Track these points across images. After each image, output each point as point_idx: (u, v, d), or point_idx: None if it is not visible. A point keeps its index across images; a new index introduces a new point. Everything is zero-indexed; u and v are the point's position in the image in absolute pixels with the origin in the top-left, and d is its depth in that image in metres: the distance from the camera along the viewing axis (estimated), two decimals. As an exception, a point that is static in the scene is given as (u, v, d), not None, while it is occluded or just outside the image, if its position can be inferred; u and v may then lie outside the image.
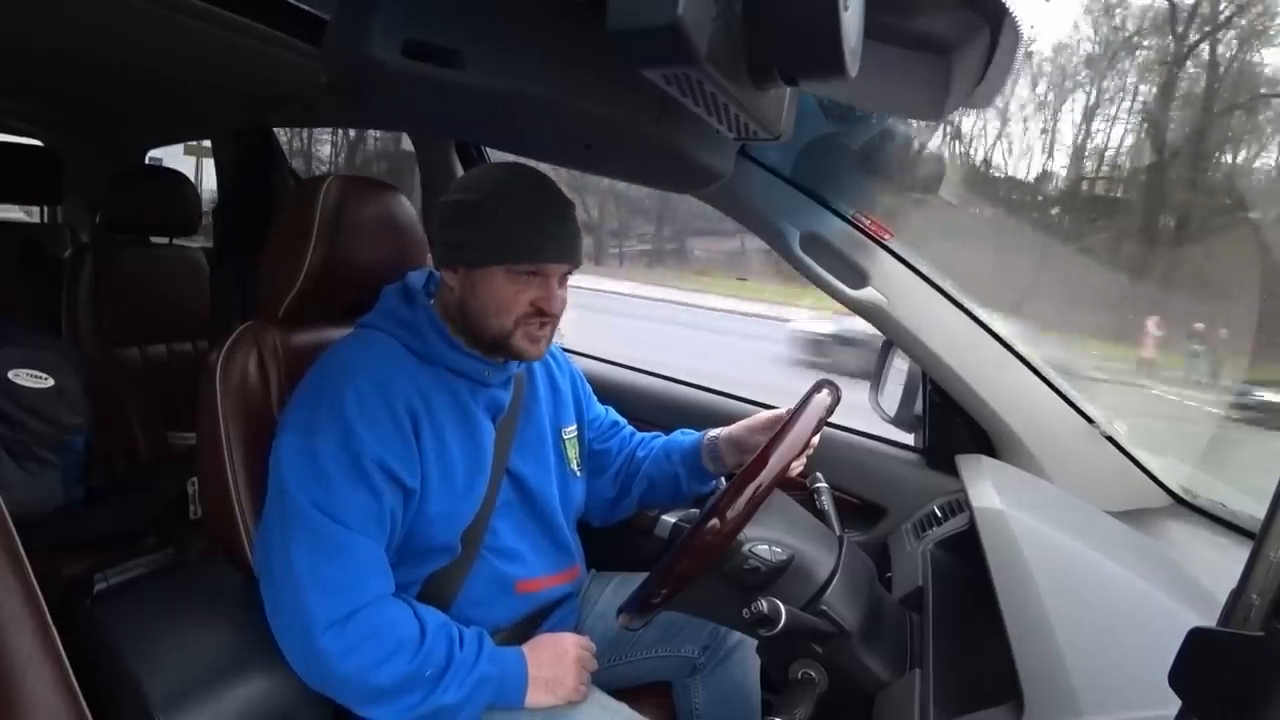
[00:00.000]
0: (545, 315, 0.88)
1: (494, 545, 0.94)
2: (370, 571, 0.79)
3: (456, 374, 0.90)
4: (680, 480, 1.09)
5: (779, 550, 0.77)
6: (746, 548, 0.76)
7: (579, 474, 1.07)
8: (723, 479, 1.11)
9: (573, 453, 1.06)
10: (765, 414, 1.04)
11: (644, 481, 1.12)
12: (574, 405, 1.10)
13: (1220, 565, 0.88)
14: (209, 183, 2.05)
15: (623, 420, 1.20)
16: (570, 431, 1.07)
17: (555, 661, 0.87)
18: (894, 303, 1.09)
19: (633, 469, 1.14)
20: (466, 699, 0.80)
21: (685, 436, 1.13)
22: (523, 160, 0.90)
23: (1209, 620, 0.36)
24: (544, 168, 0.90)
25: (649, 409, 1.44)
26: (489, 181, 0.88)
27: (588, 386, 1.16)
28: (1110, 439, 1.08)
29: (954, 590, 0.89)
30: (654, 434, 1.17)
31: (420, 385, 0.87)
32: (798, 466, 0.90)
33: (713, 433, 1.08)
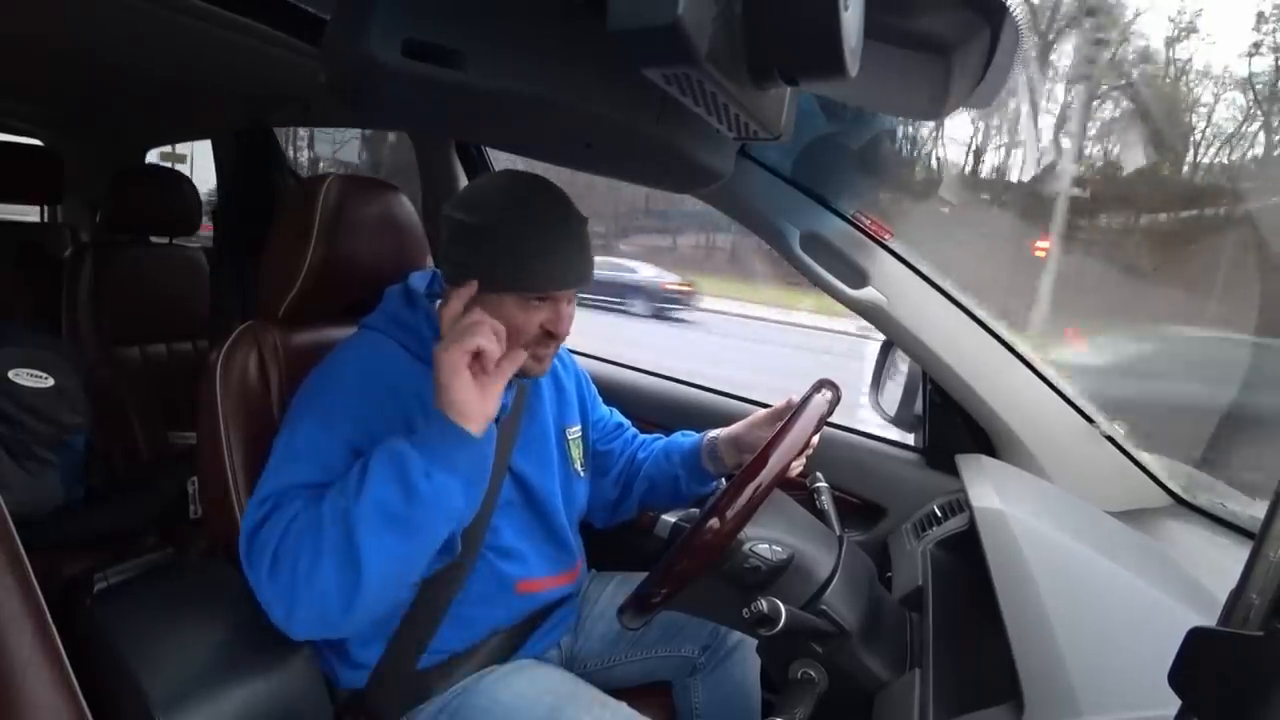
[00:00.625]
0: (554, 337, 0.88)
1: (495, 544, 0.93)
2: (288, 508, 0.74)
3: None
4: (680, 481, 1.09)
5: (779, 549, 0.77)
6: (747, 546, 0.76)
7: (583, 474, 1.07)
8: (723, 480, 1.11)
9: (576, 453, 1.06)
10: (764, 412, 1.04)
11: (644, 482, 1.12)
12: (579, 405, 1.10)
13: (1220, 565, 0.88)
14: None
15: (627, 423, 1.20)
16: (574, 431, 1.07)
17: (454, 387, 0.73)
18: (894, 302, 1.09)
19: (633, 471, 1.13)
20: (385, 524, 0.70)
21: (685, 438, 1.12)
22: (532, 172, 0.88)
23: (1209, 620, 0.36)
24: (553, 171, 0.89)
25: (651, 409, 1.44)
26: (499, 200, 0.85)
27: (593, 387, 1.16)
28: (1110, 439, 1.08)
29: (954, 590, 0.89)
30: (654, 436, 1.17)
31: (418, 387, 0.85)
32: (797, 467, 0.90)
33: (713, 433, 1.08)
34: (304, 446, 0.79)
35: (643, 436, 1.18)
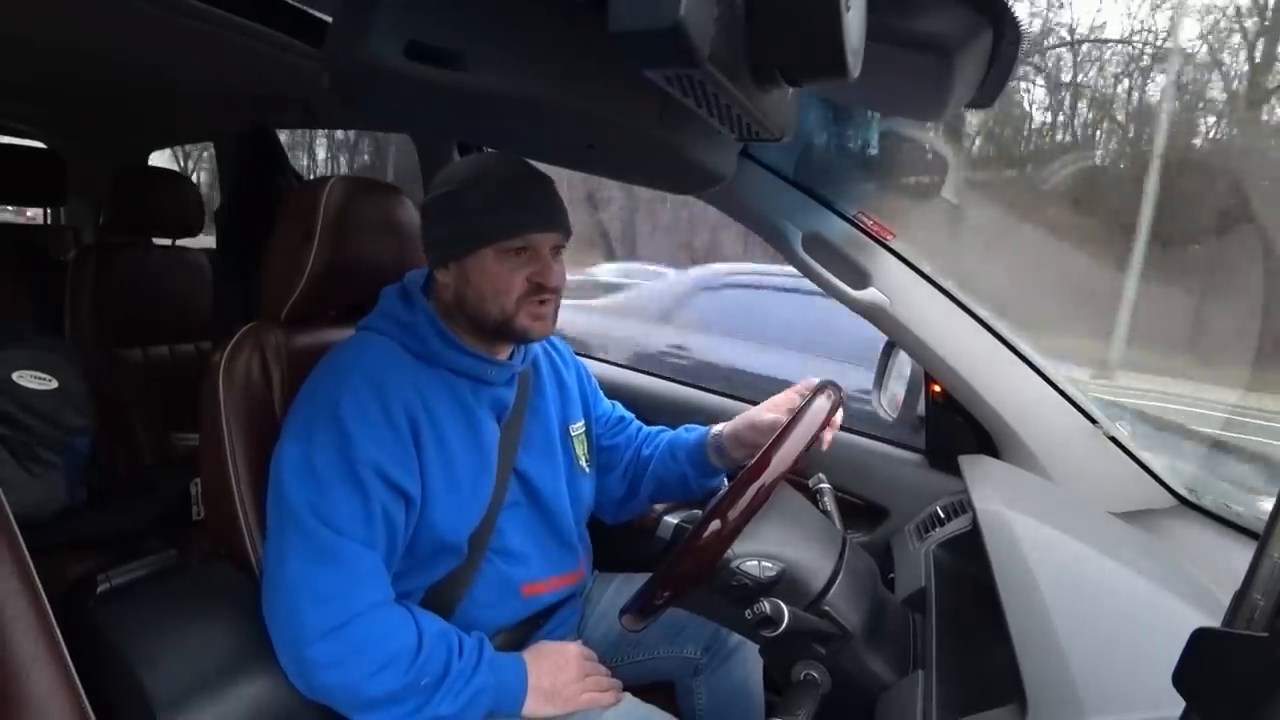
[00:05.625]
0: (545, 290, 0.87)
1: (499, 547, 0.93)
2: (366, 580, 0.78)
3: (458, 374, 0.90)
4: (689, 479, 1.09)
5: (769, 565, 0.76)
6: (735, 564, 0.75)
7: (588, 470, 1.06)
8: (725, 480, 1.11)
9: (581, 450, 1.06)
10: (768, 402, 1.02)
11: (653, 482, 1.12)
12: (581, 401, 1.10)
13: (1224, 566, 0.87)
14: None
15: (630, 415, 1.19)
16: (578, 428, 1.07)
17: (556, 671, 0.87)
18: (896, 303, 1.09)
19: (640, 467, 1.13)
20: (463, 709, 0.79)
21: (690, 433, 1.12)
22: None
23: (1213, 621, 0.36)
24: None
25: (651, 410, 1.43)
26: (463, 171, 0.88)
27: (594, 382, 1.15)
28: (1113, 439, 1.07)
29: (957, 591, 0.89)
30: (659, 428, 1.17)
31: (420, 387, 0.86)
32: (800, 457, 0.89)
33: (717, 428, 1.08)
34: (329, 468, 0.79)
35: (647, 429, 1.17)
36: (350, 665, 0.75)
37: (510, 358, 0.95)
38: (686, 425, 1.15)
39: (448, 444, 0.87)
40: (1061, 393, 1.09)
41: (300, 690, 0.77)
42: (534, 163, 0.89)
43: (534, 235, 0.86)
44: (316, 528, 0.77)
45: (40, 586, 0.49)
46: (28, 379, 1.32)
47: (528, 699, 0.84)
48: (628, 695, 0.91)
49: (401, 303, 0.91)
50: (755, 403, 1.42)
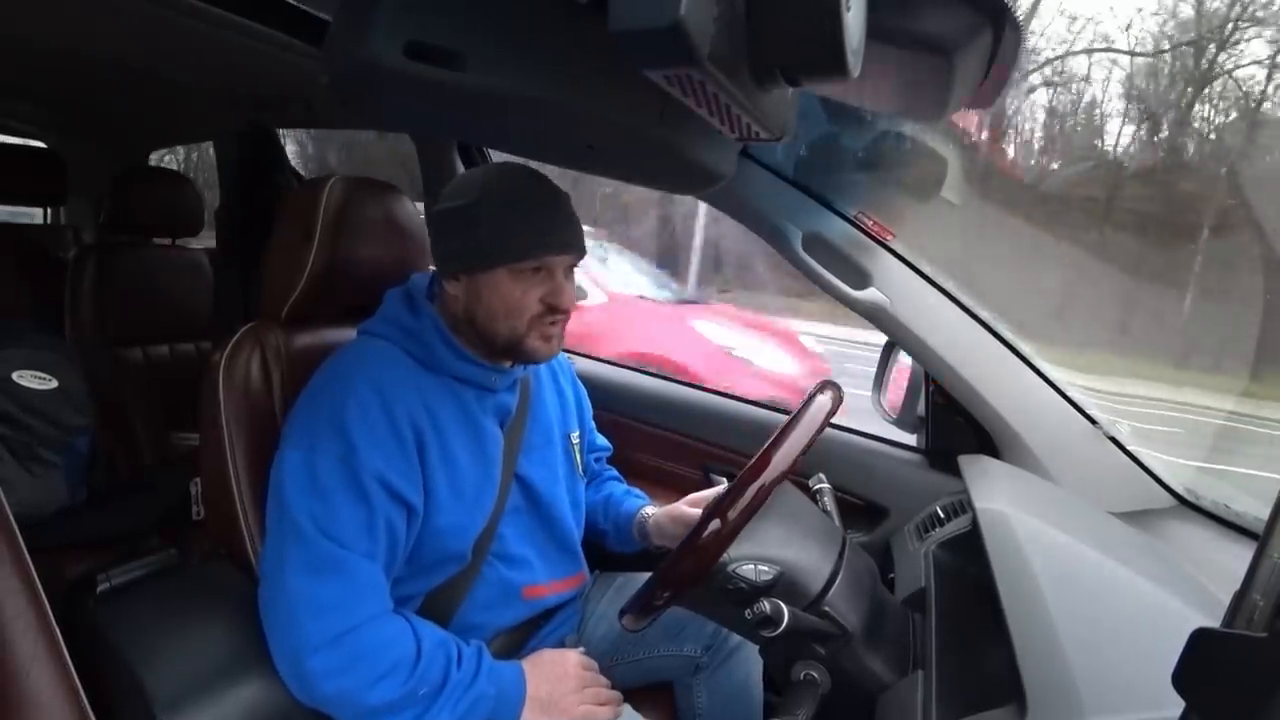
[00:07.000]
0: (557, 311, 0.86)
1: (500, 552, 0.93)
2: (366, 591, 0.78)
3: (462, 381, 0.89)
4: (608, 538, 1.13)
5: (765, 568, 0.76)
6: (731, 568, 0.75)
7: (584, 478, 1.07)
8: (726, 480, 1.11)
9: (579, 457, 1.06)
10: (695, 495, 1.04)
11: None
12: (578, 414, 1.11)
13: (1224, 566, 0.87)
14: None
15: (605, 447, 1.22)
16: (577, 436, 1.07)
17: (555, 681, 0.86)
18: (896, 303, 1.09)
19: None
20: (461, 718, 0.79)
21: (627, 500, 1.14)
22: (511, 158, 0.89)
23: (1213, 621, 0.36)
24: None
25: (650, 409, 1.44)
26: (479, 183, 0.86)
27: (588, 401, 1.16)
28: (1113, 440, 1.08)
29: (957, 591, 0.89)
30: (612, 473, 1.20)
31: (424, 395, 0.85)
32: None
33: (648, 510, 1.09)
34: (331, 477, 0.78)
35: (598, 469, 1.20)
36: (349, 675, 0.75)
37: (512, 365, 0.95)
38: (630, 489, 1.17)
39: (453, 453, 0.86)
40: (1061, 393, 1.09)
41: (301, 700, 0.77)
42: (539, 167, 0.89)
43: (550, 257, 0.85)
44: (317, 539, 0.76)
45: (40, 586, 0.49)
46: (27, 378, 1.32)
47: (525, 709, 0.83)
48: (626, 707, 0.91)
49: (406, 308, 0.90)
50: (753, 404, 1.43)
